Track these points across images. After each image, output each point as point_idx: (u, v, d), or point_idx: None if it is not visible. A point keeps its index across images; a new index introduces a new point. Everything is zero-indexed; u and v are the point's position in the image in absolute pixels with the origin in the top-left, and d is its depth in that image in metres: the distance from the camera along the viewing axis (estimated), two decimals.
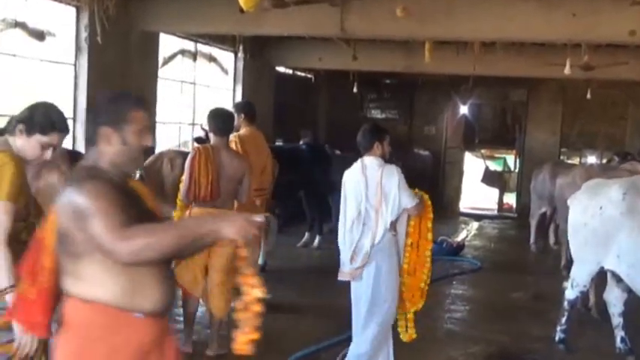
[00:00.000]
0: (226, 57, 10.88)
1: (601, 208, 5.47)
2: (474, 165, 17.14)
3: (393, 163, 4.75)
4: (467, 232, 12.75)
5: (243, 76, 11.18)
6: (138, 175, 5.34)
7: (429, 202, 4.80)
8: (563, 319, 5.82)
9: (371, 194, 4.57)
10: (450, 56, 10.37)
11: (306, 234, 9.72)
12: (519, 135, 15.47)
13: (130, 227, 2.21)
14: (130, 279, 2.32)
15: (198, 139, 7.50)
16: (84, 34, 7.20)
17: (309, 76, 14.50)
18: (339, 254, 4.77)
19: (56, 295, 2.51)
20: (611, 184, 5.65)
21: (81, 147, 7.20)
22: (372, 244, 4.56)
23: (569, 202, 5.89)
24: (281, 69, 12.93)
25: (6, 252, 2.97)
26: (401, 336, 4.85)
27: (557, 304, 6.15)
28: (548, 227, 10.39)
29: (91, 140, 2.48)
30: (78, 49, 7.28)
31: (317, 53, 11.23)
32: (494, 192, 16.67)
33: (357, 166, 4.72)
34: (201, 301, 5.27)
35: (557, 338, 5.82)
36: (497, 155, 17.75)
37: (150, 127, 2.54)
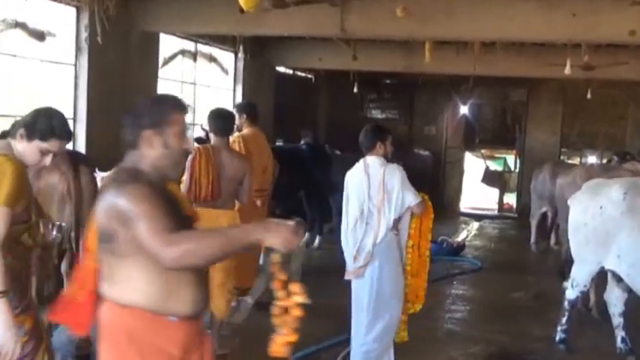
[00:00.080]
0: (226, 57, 10.87)
1: (601, 207, 5.47)
2: (474, 165, 17.15)
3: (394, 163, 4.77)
4: (467, 232, 12.75)
5: (243, 77, 11.18)
6: None
7: (430, 203, 4.82)
8: (564, 319, 5.82)
9: (373, 193, 4.59)
10: (450, 56, 10.36)
11: (307, 234, 9.72)
12: (519, 135, 15.47)
13: (175, 233, 2.22)
14: (166, 283, 2.32)
15: (198, 140, 7.50)
16: (84, 35, 7.20)
17: (309, 76, 14.50)
18: (339, 254, 4.78)
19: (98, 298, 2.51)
20: (611, 184, 5.66)
21: (81, 147, 7.21)
22: (374, 243, 4.57)
23: (569, 202, 5.89)
24: (281, 69, 12.93)
25: (0, 257, 2.97)
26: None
27: (558, 304, 6.16)
28: (551, 228, 10.38)
29: (132, 144, 2.44)
30: (78, 49, 7.28)
31: (317, 53, 11.23)
32: (495, 192, 16.68)
33: (359, 165, 4.74)
34: None
35: (557, 338, 5.82)
36: (497, 155, 17.76)
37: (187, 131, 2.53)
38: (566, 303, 5.82)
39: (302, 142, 10.15)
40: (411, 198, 4.59)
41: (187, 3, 7.83)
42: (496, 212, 16.06)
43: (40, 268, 3.86)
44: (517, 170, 16.02)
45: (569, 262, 6.01)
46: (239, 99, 10.85)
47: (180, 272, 2.31)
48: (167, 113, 2.42)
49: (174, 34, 9.04)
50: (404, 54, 10.71)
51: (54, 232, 3.30)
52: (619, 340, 5.67)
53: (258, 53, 11.29)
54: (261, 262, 6.15)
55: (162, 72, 8.89)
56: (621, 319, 5.70)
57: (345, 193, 4.78)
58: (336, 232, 6.54)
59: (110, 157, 6.56)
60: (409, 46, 10.42)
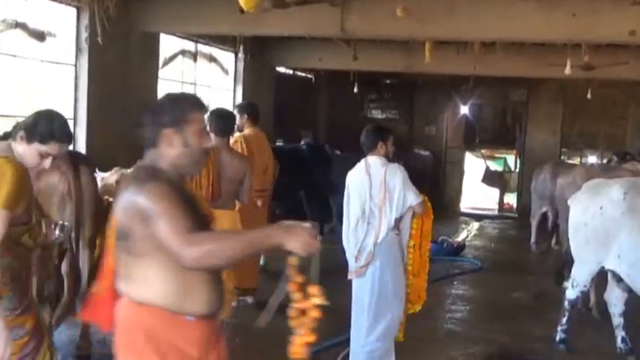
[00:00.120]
0: (227, 57, 10.88)
1: (601, 208, 5.47)
2: (474, 165, 17.13)
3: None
4: (467, 232, 12.75)
5: (243, 77, 11.18)
6: None
7: (429, 204, 4.83)
8: (564, 319, 5.82)
9: (375, 193, 4.61)
10: (451, 56, 10.37)
11: None
12: (520, 135, 15.47)
13: (196, 233, 2.22)
14: (183, 282, 2.32)
15: None
16: (84, 35, 7.20)
17: (309, 76, 14.50)
18: (339, 254, 4.78)
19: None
20: (611, 184, 5.66)
21: (82, 147, 7.22)
22: (376, 243, 4.59)
23: (569, 202, 5.89)
24: (281, 69, 12.93)
25: None
26: None
27: (558, 304, 6.15)
28: (553, 229, 10.36)
29: (151, 142, 2.43)
30: (78, 49, 7.28)
31: (317, 53, 11.23)
32: (495, 192, 16.67)
33: (360, 165, 4.76)
34: None
35: (557, 338, 5.82)
36: (497, 155, 17.74)
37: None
38: (566, 303, 5.81)
39: (302, 142, 10.15)
40: (413, 197, 4.61)
41: (187, 3, 7.83)
42: (496, 212, 16.06)
43: (40, 268, 3.87)
44: (517, 170, 16.02)
45: (570, 262, 6.01)
46: (239, 99, 10.86)
47: (197, 272, 2.31)
48: (187, 112, 2.41)
49: (174, 34, 9.05)
50: (404, 54, 10.71)
51: (57, 232, 3.30)
52: (619, 340, 5.67)
53: (258, 53, 11.30)
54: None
55: (162, 72, 8.90)
56: (621, 319, 5.70)
57: (346, 193, 4.79)
58: (336, 232, 6.54)
59: (110, 157, 6.57)
60: (409, 46, 10.43)
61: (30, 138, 3.07)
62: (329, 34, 8.56)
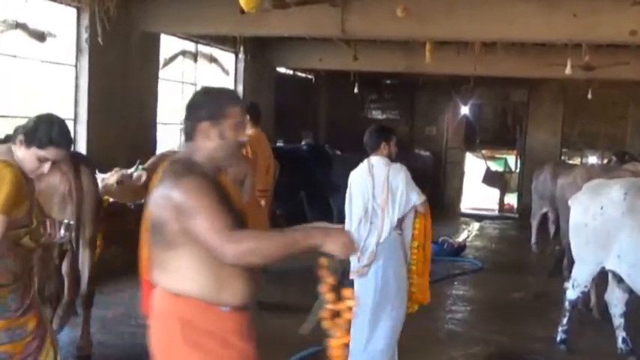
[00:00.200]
0: (227, 58, 10.88)
1: (602, 208, 5.47)
2: (474, 165, 17.12)
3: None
4: (468, 233, 12.74)
5: (243, 77, 11.19)
6: (144, 177, 5.34)
7: (428, 205, 4.84)
8: (565, 320, 5.82)
9: (377, 192, 4.62)
10: (451, 56, 10.37)
11: None
12: (520, 135, 15.47)
13: (236, 230, 2.25)
14: (218, 273, 2.34)
15: None
16: (85, 35, 7.21)
17: (309, 76, 14.50)
18: None
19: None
20: (612, 184, 5.65)
21: (82, 148, 7.21)
22: (378, 243, 4.60)
23: (570, 202, 5.89)
24: (282, 70, 12.94)
25: None
26: None
27: (559, 305, 6.15)
28: (556, 230, 10.34)
29: (188, 136, 2.46)
30: (79, 50, 7.29)
31: (317, 54, 11.23)
32: (495, 192, 16.65)
33: (363, 165, 4.77)
34: None
35: (558, 339, 5.82)
36: (498, 156, 17.73)
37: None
38: (567, 303, 5.81)
39: (302, 142, 10.16)
40: (416, 197, 4.63)
41: (188, 4, 7.84)
42: (497, 213, 16.03)
43: (41, 268, 3.87)
44: (518, 171, 16.01)
45: (570, 262, 6.01)
46: None
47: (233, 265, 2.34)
48: (224, 105, 2.45)
49: (174, 34, 9.06)
50: (404, 54, 10.72)
51: (62, 231, 3.29)
52: (620, 340, 5.67)
53: (258, 54, 11.30)
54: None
55: (162, 73, 8.90)
56: (622, 320, 5.70)
57: (348, 193, 4.81)
58: None
59: (110, 158, 6.57)
60: (409, 47, 10.43)
61: (29, 142, 3.06)
62: (329, 35, 8.56)
